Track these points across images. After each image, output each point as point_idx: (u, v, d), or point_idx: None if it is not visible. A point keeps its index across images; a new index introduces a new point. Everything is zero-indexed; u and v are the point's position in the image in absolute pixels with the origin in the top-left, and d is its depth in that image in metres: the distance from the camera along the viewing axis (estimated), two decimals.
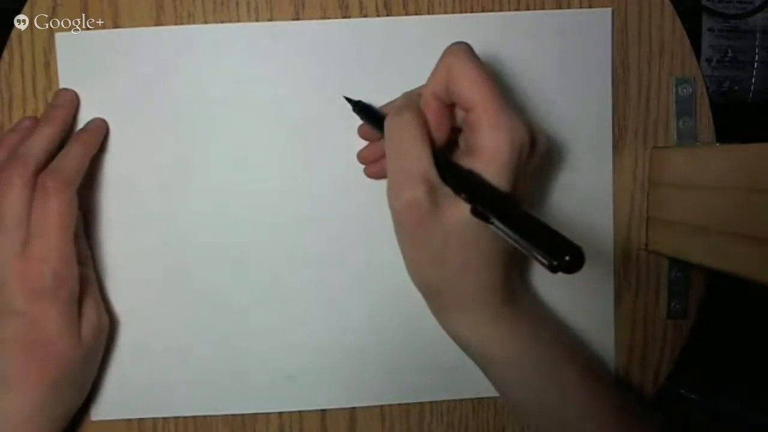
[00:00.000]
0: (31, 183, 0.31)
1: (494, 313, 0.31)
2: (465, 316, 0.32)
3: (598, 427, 0.32)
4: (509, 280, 0.32)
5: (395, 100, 0.33)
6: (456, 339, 0.33)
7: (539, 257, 0.23)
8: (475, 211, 0.27)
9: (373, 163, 0.36)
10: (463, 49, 0.29)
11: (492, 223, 0.26)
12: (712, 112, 0.38)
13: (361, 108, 0.34)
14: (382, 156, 0.34)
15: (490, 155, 0.28)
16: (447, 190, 0.28)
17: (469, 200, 0.28)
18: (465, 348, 0.33)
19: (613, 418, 0.33)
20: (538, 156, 0.30)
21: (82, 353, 0.33)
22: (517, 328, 0.32)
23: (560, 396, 0.32)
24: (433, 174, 0.28)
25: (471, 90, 0.28)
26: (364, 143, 0.36)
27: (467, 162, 0.28)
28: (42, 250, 0.31)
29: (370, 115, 0.34)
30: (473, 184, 0.28)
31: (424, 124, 0.30)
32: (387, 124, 0.30)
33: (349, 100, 0.34)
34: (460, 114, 0.31)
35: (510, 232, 0.25)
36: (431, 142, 0.29)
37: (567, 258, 0.22)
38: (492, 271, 0.30)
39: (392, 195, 0.29)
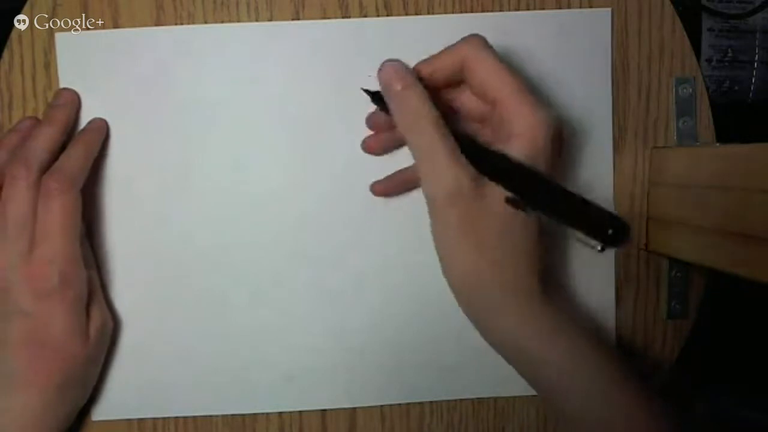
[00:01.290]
0: (35, 184, 0.31)
1: (539, 301, 0.30)
2: (509, 310, 0.30)
3: (635, 418, 0.30)
4: (542, 277, 0.31)
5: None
6: (500, 344, 0.32)
7: (584, 241, 0.23)
8: (509, 200, 0.27)
9: (373, 137, 0.36)
10: (482, 42, 0.30)
11: (529, 210, 0.26)
12: (712, 112, 0.38)
13: (380, 98, 0.33)
14: (388, 147, 0.35)
15: (528, 137, 0.28)
16: (484, 179, 0.28)
17: (506, 187, 0.27)
18: (501, 349, 0.32)
19: (649, 412, 0.31)
20: (562, 148, 0.31)
21: (88, 354, 0.33)
22: (560, 320, 0.31)
23: (600, 397, 0.31)
24: (468, 167, 0.28)
25: (497, 82, 0.29)
26: (364, 136, 0.36)
27: (501, 148, 0.28)
28: (48, 251, 0.31)
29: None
30: (508, 169, 0.28)
31: (440, 120, 0.29)
32: (402, 125, 0.30)
33: (367, 91, 0.33)
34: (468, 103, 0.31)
35: (551, 218, 0.25)
36: (459, 135, 0.29)
37: (610, 232, 0.22)
38: (531, 261, 0.30)
39: (432, 184, 0.29)
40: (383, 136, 0.35)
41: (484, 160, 0.28)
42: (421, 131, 0.29)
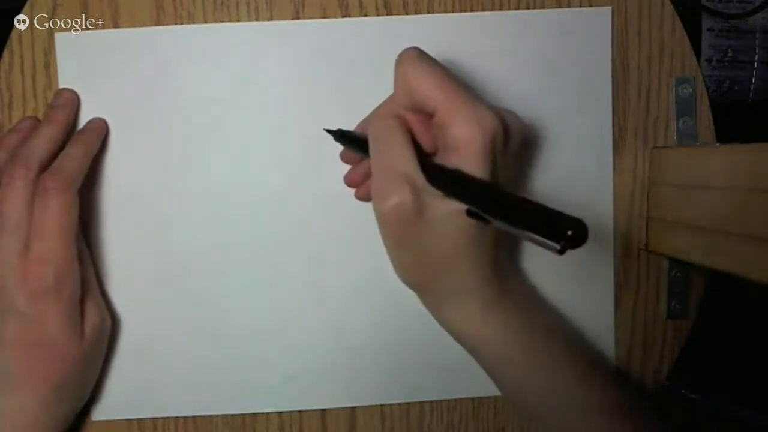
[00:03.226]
0: (32, 184, 0.31)
1: (485, 303, 0.31)
2: (456, 308, 0.32)
3: (595, 419, 0.32)
4: (498, 270, 0.32)
5: (367, 117, 0.33)
6: (450, 332, 0.33)
7: (544, 245, 0.23)
8: (470, 213, 0.27)
9: (362, 185, 0.36)
10: (412, 54, 0.29)
11: (489, 222, 0.26)
12: (712, 112, 0.38)
13: (341, 135, 0.34)
14: (367, 177, 0.35)
15: (464, 149, 0.28)
16: (431, 189, 0.28)
17: (462, 202, 0.28)
18: (459, 340, 0.33)
19: (611, 410, 0.32)
20: (515, 143, 0.30)
21: (84, 353, 0.33)
22: (508, 319, 0.32)
23: (556, 387, 0.32)
24: (419, 176, 0.28)
25: (430, 91, 0.28)
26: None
27: (448, 161, 0.28)
28: (43, 251, 0.31)
29: (352, 140, 0.34)
30: (463, 183, 0.28)
31: (407, 130, 0.30)
32: (371, 130, 0.31)
33: (329, 131, 0.34)
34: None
35: (509, 226, 0.25)
36: (416, 148, 0.29)
37: (569, 233, 0.22)
38: (479, 263, 0.30)
39: (377, 199, 0.29)
40: (359, 168, 0.35)
41: (438, 177, 0.28)
42: (384, 141, 0.30)
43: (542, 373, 0.32)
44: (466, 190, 0.28)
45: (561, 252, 0.22)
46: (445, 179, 0.28)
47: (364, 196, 0.36)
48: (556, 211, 0.24)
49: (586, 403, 0.32)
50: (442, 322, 0.33)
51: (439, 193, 0.28)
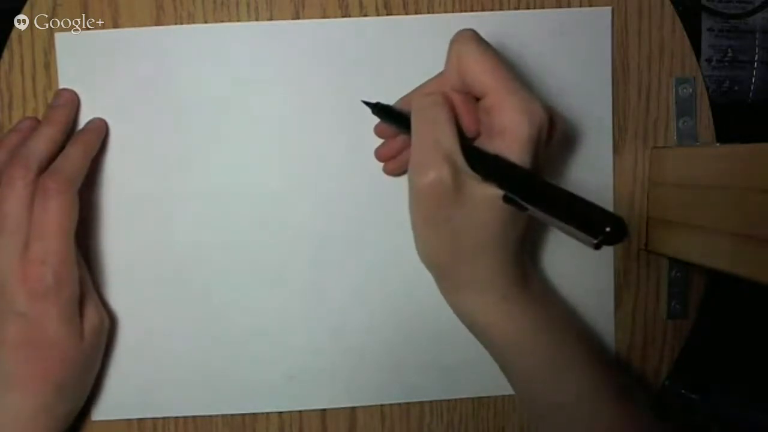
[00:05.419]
0: (32, 184, 0.31)
1: (504, 294, 0.32)
2: (475, 296, 0.32)
3: (601, 408, 0.32)
4: (521, 262, 0.32)
5: (410, 93, 0.33)
6: (463, 318, 0.33)
7: (580, 237, 0.23)
8: (507, 199, 0.27)
9: (392, 160, 0.36)
10: (469, 35, 0.30)
11: (526, 209, 0.26)
12: (712, 112, 0.38)
13: (380, 109, 0.34)
14: (400, 152, 0.35)
15: (511, 135, 0.28)
16: (469, 172, 0.28)
17: (500, 187, 0.28)
18: (471, 327, 0.34)
19: (615, 400, 0.32)
20: (557, 139, 0.30)
21: (84, 353, 0.33)
22: (526, 310, 0.32)
23: (567, 378, 0.32)
24: (459, 156, 0.28)
25: (483, 75, 0.29)
26: (370, 142, 0.36)
27: (490, 146, 0.28)
28: (43, 251, 0.31)
29: (390, 113, 0.34)
30: (502, 169, 0.28)
31: (452, 108, 0.30)
32: (417, 103, 0.31)
33: (367, 103, 0.34)
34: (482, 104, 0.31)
35: (546, 216, 0.25)
36: (459, 128, 0.29)
37: (608, 230, 0.22)
38: (505, 253, 0.31)
39: (415, 173, 0.29)
40: (392, 143, 0.35)
41: (478, 160, 0.28)
42: (427, 116, 0.30)
43: (554, 364, 0.32)
44: (506, 175, 0.28)
45: (597, 247, 0.22)
46: (485, 163, 0.28)
47: (393, 171, 0.36)
48: (597, 206, 0.24)
49: (592, 400, 0.32)
50: (458, 310, 0.33)
51: (477, 177, 0.28)
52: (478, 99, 0.30)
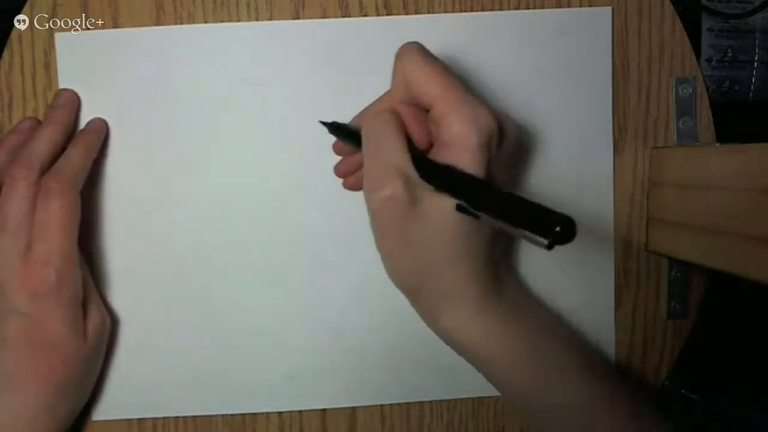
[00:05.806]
0: (34, 185, 0.31)
1: (480, 306, 0.31)
2: (450, 312, 0.31)
3: (598, 419, 0.32)
4: (493, 271, 0.31)
5: (363, 111, 0.33)
6: (445, 339, 0.33)
7: (532, 240, 0.23)
8: (460, 208, 0.27)
9: (351, 176, 0.36)
10: (413, 48, 0.29)
11: (479, 217, 0.27)
12: (712, 112, 0.38)
13: (335, 128, 0.34)
14: (357, 168, 0.35)
15: (460, 145, 0.28)
16: (423, 184, 0.28)
17: (453, 197, 0.28)
18: (455, 347, 0.33)
19: (614, 409, 0.32)
20: (510, 143, 0.30)
21: (86, 354, 0.33)
22: (505, 320, 0.31)
23: (557, 386, 0.32)
24: (411, 170, 0.28)
25: (428, 86, 0.28)
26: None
27: (441, 156, 0.28)
28: (45, 252, 0.31)
29: (346, 132, 0.34)
30: (454, 179, 0.28)
31: (401, 124, 0.30)
32: (365, 124, 0.31)
33: (324, 123, 0.34)
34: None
35: (498, 222, 0.25)
36: (409, 142, 0.29)
37: (557, 229, 0.22)
38: (473, 262, 0.30)
39: (369, 192, 0.29)
40: (350, 160, 0.35)
41: (430, 172, 0.28)
42: (376, 135, 0.30)
43: (543, 374, 0.32)
44: (455, 184, 0.28)
45: (549, 247, 0.23)
46: (436, 173, 0.28)
47: (353, 186, 0.36)
48: (545, 207, 0.24)
49: (588, 404, 0.32)
50: (437, 330, 0.33)
51: (431, 188, 0.28)
52: (428, 111, 0.30)
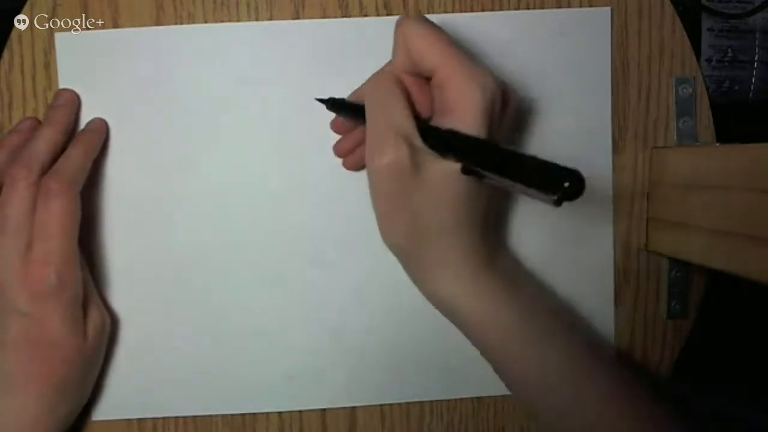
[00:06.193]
0: (34, 185, 0.31)
1: (471, 273, 0.31)
2: (441, 276, 0.31)
3: (593, 398, 0.32)
4: (486, 241, 0.32)
5: (362, 85, 0.33)
6: (430, 298, 0.33)
7: (540, 197, 0.23)
8: (465, 170, 0.27)
9: (350, 155, 0.36)
10: (413, 17, 0.30)
11: (484, 177, 0.26)
12: (712, 112, 0.38)
13: (334, 103, 0.34)
14: (357, 145, 0.35)
15: (464, 107, 0.28)
16: (427, 150, 0.28)
17: (457, 159, 0.28)
18: (440, 308, 0.33)
19: (609, 390, 0.32)
20: (510, 113, 0.30)
21: (86, 354, 0.33)
22: (494, 288, 0.32)
23: (541, 357, 0.32)
24: (415, 135, 0.28)
25: (431, 53, 0.29)
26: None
27: (444, 122, 0.28)
28: (45, 252, 0.31)
29: (345, 106, 0.34)
30: (458, 142, 0.28)
31: (405, 90, 0.30)
32: (369, 90, 0.31)
33: (320, 100, 0.34)
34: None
35: (505, 181, 0.25)
36: (413, 109, 0.29)
37: (566, 185, 0.22)
38: (469, 231, 0.30)
39: (372, 156, 0.29)
40: (349, 137, 0.35)
41: (434, 138, 0.28)
42: (380, 100, 0.30)
43: (534, 347, 0.32)
44: (460, 146, 0.28)
45: (557, 203, 0.22)
46: (441, 139, 0.28)
47: (352, 166, 0.36)
48: (552, 163, 0.24)
49: (583, 384, 0.32)
50: (425, 290, 0.33)
51: (434, 154, 0.28)
52: (429, 80, 0.30)
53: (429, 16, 0.36)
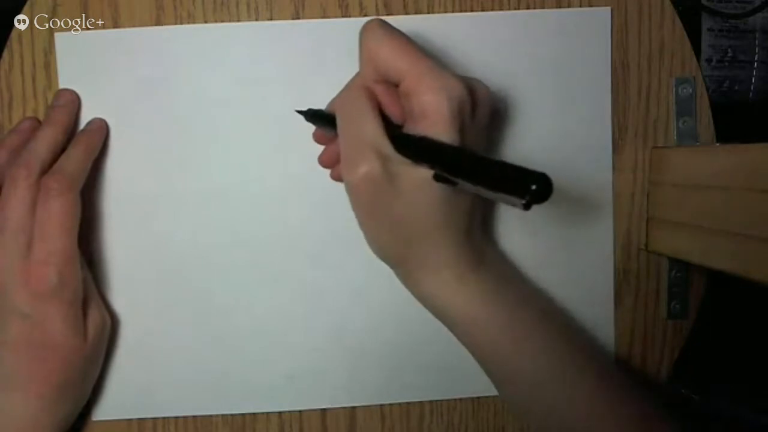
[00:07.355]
0: (35, 185, 0.31)
1: (457, 275, 0.31)
2: (428, 280, 0.32)
3: (576, 391, 0.32)
4: (472, 241, 0.32)
5: (337, 95, 0.33)
6: (422, 301, 0.33)
7: (510, 202, 0.23)
8: (437, 177, 0.28)
9: (336, 165, 0.35)
10: (375, 24, 0.29)
11: (456, 184, 0.27)
12: (712, 112, 0.38)
13: (311, 114, 0.34)
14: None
15: (431, 115, 0.28)
16: (400, 159, 0.28)
17: (429, 166, 0.28)
18: (431, 309, 0.33)
19: (592, 382, 0.32)
20: (483, 111, 0.30)
21: (86, 354, 0.33)
22: (482, 289, 0.32)
23: (531, 357, 0.32)
24: (386, 145, 0.28)
25: (395, 60, 0.29)
26: None
27: (416, 129, 0.28)
28: (46, 252, 0.31)
29: (322, 118, 0.34)
30: (429, 148, 0.28)
31: (374, 101, 0.30)
32: (337, 104, 0.31)
33: (300, 112, 0.34)
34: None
35: (475, 187, 0.25)
36: (386, 119, 0.29)
37: (533, 188, 0.22)
38: (452, 233, 0.30)
39: (346, 170, 0.29)
40: (333, 148, 0.35)
41: (406, 145, 0.28)
42: (350, 112, 0.30)
43: (524, 347, 0.32)
44: (430, 153, 0.28)
45: (526, 207, 0.23)
46: (412, 146, 0.28)
47: (338, 177, 0.36)
48: (519, 167, 0.24)
49: (557, 372, 0.32)
50: (416, 293, 0.33)
51: (408, 161, 0.28)
52: (397, 86, 0.30)
53: (429, 17, 0.37)
